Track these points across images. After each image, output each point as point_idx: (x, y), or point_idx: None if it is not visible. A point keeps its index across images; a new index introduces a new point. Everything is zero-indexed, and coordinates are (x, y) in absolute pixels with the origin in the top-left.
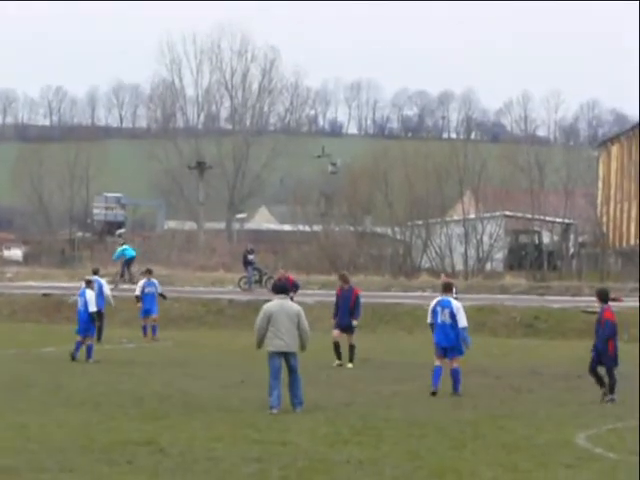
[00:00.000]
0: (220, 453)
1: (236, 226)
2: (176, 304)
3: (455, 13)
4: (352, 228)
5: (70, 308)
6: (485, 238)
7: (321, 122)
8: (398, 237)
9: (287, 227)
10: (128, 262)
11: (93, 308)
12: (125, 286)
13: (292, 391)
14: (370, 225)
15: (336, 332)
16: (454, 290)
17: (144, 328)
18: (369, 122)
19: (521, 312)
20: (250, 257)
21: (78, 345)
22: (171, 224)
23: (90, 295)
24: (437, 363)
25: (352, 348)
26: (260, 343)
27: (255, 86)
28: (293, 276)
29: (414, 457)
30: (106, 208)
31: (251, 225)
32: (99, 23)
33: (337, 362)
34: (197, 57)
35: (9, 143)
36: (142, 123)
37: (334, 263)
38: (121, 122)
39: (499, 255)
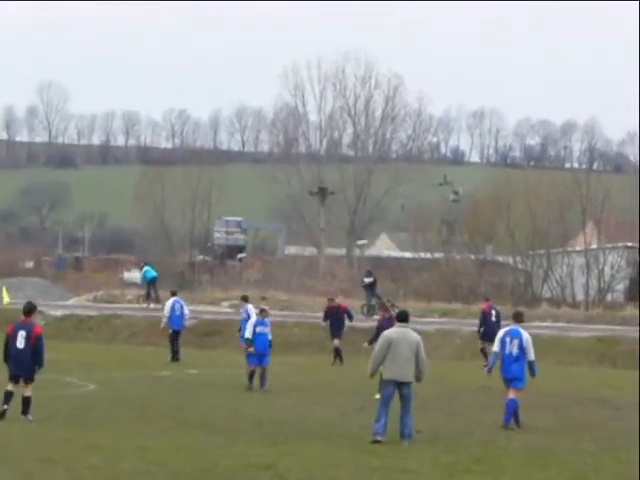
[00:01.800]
0: (341, 479)
1: (357, 252)
2: (296, 329)
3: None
4: (473, 256)
5: (189, 332)
6: (607, 269)
7: (443, 150)
8: (519, 266)
9: (408, 254)
10: (151, 283)
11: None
12: (152, 306)
13: (403, 420)
14: (491, 253)
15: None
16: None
17: None
18: (491, 151)
19: None
20: (367, 280)
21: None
22: (291, 249)
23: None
24: (511, 396)
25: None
26: (375, 371)
27: (378, 112)
28: (345, 304)
29: None
30: (227, 232)
31: (372, 252)
32: (224, 46)
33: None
34: (321, 82)
35: (131, 165)
36: (264, 147)
37: (454, 291)
38: (243, 146)
39: (620, 286)
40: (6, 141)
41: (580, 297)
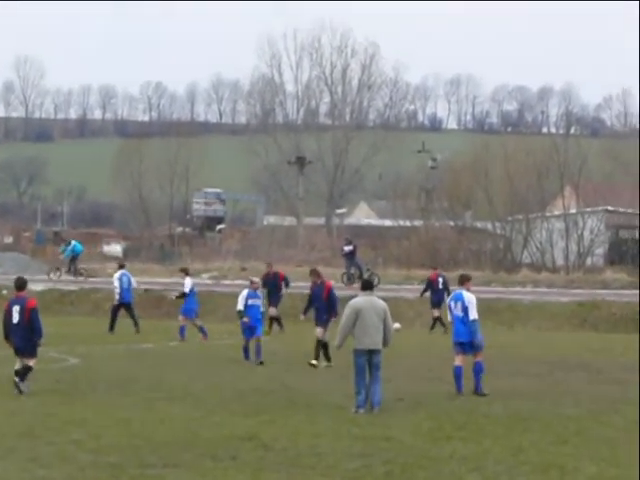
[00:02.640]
0: (323, 449)
1: (336, 221)
2: None
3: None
4: (452, 223)
5: (170, 303)
6: (586, 233)
7: (420, 117)
8: (498, 232)
9: (387, 222)
10: (75, 257)
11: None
12: (71, 278)
13: (371, 387)
14: (470, 220)
15: (320, 330)
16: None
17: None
18: (469, 117)
19: (622, 307)
20: (346, 248)
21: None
22: (271, 219)
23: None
24: (457, 362)
25: (322, 345)
26: (343, 342)
27: (355, 81)
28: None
29: (517, 452)
30: (206, 204)
31: (351, 220)
32: (198, 19)
33: (326, 363)
34: (297, 52)
35: (109, 139)
36: (241, 119)
37: (434, 258)
38: (220, 118)
39: (600, 250)
40: None
41: (560, 262)
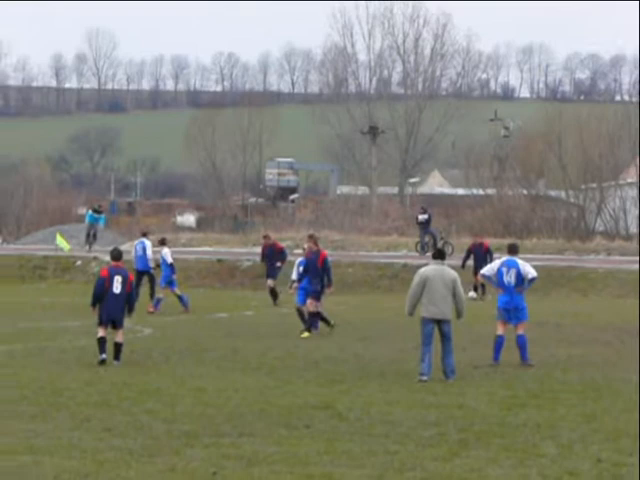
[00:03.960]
0: (397, 417)
1: (409, 190)
2: (350, 269)
3: None
4: (525, 192)
5: (243, 273)
6: None
7: (493, 86)
8: (572, 200)
9: (460, 191)
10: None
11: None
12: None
13: (445, 360)
14: (544, 188)
15: (310, 302)
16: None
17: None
18: (541, 85)
19: None
20: (421, 217)
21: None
22: (344, 189)
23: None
24: (500, 332)
25: (314, 315)
26: (412, 310)
27: (427, 51)
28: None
29: (590, 420)
30: (279, 174)
31: (424, 189)
32: None
33: (306, 334)
34: (369, 22)
35: (181, 110)
36: (314, 88)
37: (507, 227)
38: (293, 87)
39: None
40: (55, 88)
41: (633, 229)
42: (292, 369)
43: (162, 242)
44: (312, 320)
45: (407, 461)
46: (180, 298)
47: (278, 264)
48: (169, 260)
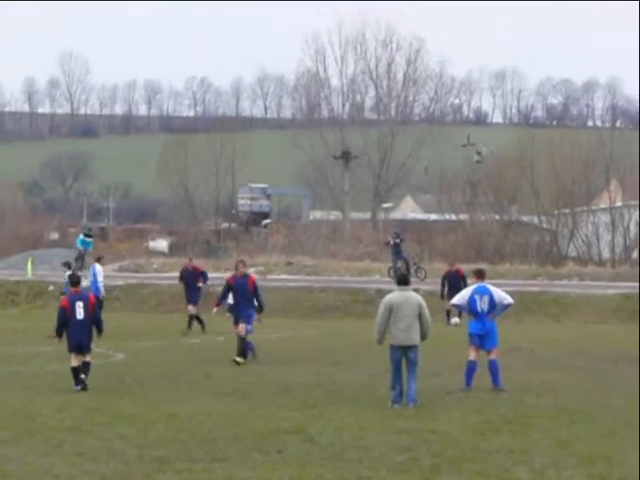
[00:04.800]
0: (370, 442)
1: (382, 216)
2: (322, 294)
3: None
4: (498, 217)
5: (216, 298)
6: (632, 226)
7: (466, 111)
8: (544, 226)
9: (433, 216)
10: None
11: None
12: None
13: (409, 384)
14: (516, 214)
15: (242, 326)
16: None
17: None
18: (514, 111)
19: None
20: (391, 241)
21: None
22: (316, 214)
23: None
24: (472, 357)
25: (243, 342)
26: (381, 337)
27: (400, 75)
28: (202, 266)
29: (564, 445)
30: (251, 199)
31: (397, 214)
32: (244, 13)
33: (239, 359)
34: (342, 47)
35: (154, 135)
36: (287, 113)
37: (480, 252)
38: (266, 112)
39: None
40: (28, 113)
41: (606, 255)
42: (264, 394)
43: (98, 259)
44: (243, 344)
45: None
46: None
47: (201, 285)
48: (99, 278)
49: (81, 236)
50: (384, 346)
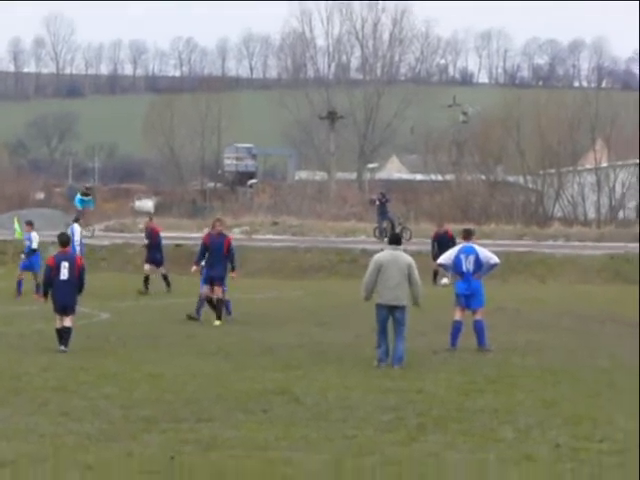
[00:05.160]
0: (355, 402)
1: (367, 176)
2: (308, 254)
3: None
4: (484, 177)
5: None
6: (617, 186)
7: (451, 71)
8: (530, 186)
9: (419, 176)
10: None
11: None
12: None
13: (395, 344)
14: (502, 174)
15: (207, 288)
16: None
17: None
18: (500, 71)
19: None
20: (377, 200)
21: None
22: (302, 174)
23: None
24: (457, 317)
25: (220, 303)
26: (369, 295)
27: (386, 36)
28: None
29: (549, 405)
30: (237, 158)
31: (382, 175)
32: None
33: (218, 322)
34: (327, 7)
35: (140, 95)
36: (273, 73)
37: (466, 212)
38: (251, 73)
39: (632, 203)
40: (14, 73)
41: (592, 215)
42: (249, 354)
43: (30, 225)
44: (221, 306)
45: (365, 446)
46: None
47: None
48: (36, 245)
49: (79, 195)
50: (370, 306)
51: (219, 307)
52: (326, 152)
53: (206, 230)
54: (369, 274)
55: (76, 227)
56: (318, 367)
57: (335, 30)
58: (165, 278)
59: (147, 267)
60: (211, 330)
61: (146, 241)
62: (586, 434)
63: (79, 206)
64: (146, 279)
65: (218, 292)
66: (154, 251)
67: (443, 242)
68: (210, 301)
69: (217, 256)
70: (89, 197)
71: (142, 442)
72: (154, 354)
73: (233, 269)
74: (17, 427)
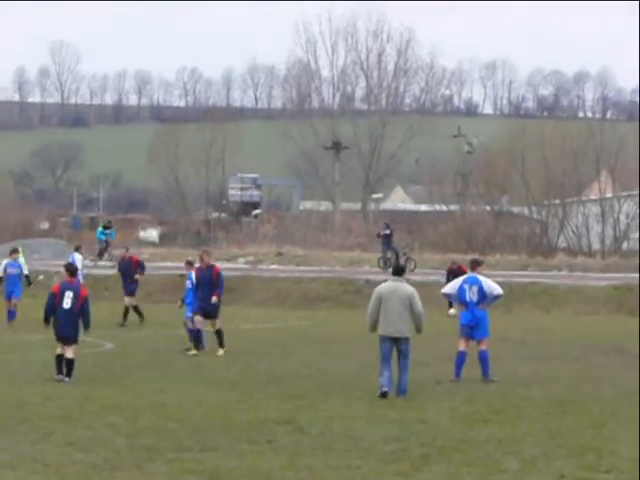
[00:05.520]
0: (359, 432)
1: (372, 206)
2: (313, 284)
3: None
4: (488, 208)
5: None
6: (622, 217)
7: (456, 102)
8: (535, 216)
9: (423, 207)
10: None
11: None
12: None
13: (399, 377)
14: (506, 204)
15: (199, 317)
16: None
17: (9, 312)
18: (504, 102)
19: None
20: (383, 232)
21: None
22: (307, 204)
23: None
24: (462, 348)
25: (220, 333)
26: (373, 327)
27: (391, 66)
28: (139, 257)
29: (554, 436)
30: (242, 189)
31: (387, 205)
32: (235, 4)
33: (194, 351)
34: (332, 37)
35: (145, 124)
36: (277, 104)
37: (470, 243)
38: (256, 103)
39: (636, 234)
40: (18, 102)
41: (596, 246)
42: (254, 384)
43: (77, 249)
44: (197, 336)
45: (369, 476)
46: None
47: (137, 277)
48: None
49: (100, 228)
50: (374, 337)
51: (220, 337)
52: (331, 182)
53: (218, 263)
54: (371, 306)
55: (77, 256)
56: (323, 397)
57: (340, 60)
58: (136, 309)
59: (126, 299)
60: (216, 360)
61: (137, 275)
62: (591, 465)
63: (102, 238)
64: (126, 310)
65: (216, 324)
66: (129, 282)
67: (458, 274)
68: (197, 331)
69: (208, 289)
70: (110, 229)
71: (146, 472)
72: (159, 384)
73: (218, 295)
74: (22, 457)
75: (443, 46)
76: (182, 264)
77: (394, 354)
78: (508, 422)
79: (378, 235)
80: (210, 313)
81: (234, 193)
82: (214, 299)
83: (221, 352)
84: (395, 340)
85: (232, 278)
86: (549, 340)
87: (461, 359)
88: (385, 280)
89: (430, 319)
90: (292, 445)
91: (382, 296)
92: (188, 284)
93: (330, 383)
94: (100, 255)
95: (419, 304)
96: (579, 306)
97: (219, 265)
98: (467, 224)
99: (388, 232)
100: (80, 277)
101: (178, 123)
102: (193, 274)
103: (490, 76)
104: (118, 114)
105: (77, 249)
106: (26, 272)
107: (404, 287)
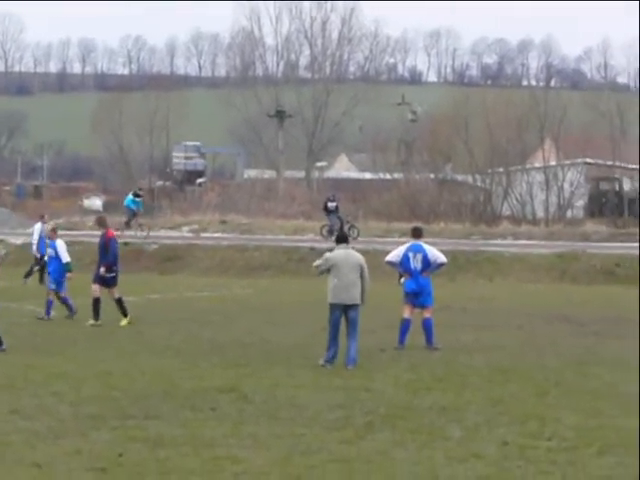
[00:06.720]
0: (303, 400)
1: (316, 174)
2: (257, 253)
3: None
4: (432, 176)
5: (149, 257)
6: (566, 185)
7: (400, 70)
8: (479, 184)
9: (367, 175)
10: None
11: (67, 258)
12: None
13: (348, 344)
14: (450, 172)
15: (95, 286)
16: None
17: None
18: (448, 70)
19: (602, 259)
20: (330, 205)
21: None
22: (251, 173)
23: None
24: (406, 315)
25: (120, 302)
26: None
27: (335, 34)
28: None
29: (497, 403)
30: (186, 157)
31: (331, 173)
32: None
33: (92, 322)
34: (276, 6)
35: (88, 93)
36: (221, 72)
37: (414, 211)
38: (200, 71)
39: (580, 202)
40: None
41: (540, 214)
42: (197, 352)
43: (41, 217)
44: (96, 305)
45: (313, 444)
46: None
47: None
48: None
49: (130, 196)
50: (318, 305)
51: (121, 306)
52: (275, 150)
53: (162, 231)
54: (322, 264)
55: (37, 225)
56: (267, 365)
57: (284, 29)
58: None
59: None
60: (160, 328)
61: None
62: (533, 432)
63: (132, 206)
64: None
65: (114, 293)
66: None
67: None
68: (96, 300)
69: (103, 257)
70: (140, 198)
71: (91, 439)
72: (103, 352)
73: (107, 264)
74: None
75: (387, 15)
76: (126, 232)
77: (342, 324)
78: (451, 390)
79: (325, 208)
80: (106, 281)
81: (178, 162)
82: (102, 270)
83: (124, 322)
84: (346, 308)
85: (176, 246)
86: (492, 308)
87: (405, 327)
88: (330, 249)
89: (374, 287)
90: (236, 413)
91: (335, 263)
92: (51, 252)
93: (274, 351)
94: (127, 224)
95: (367, 272)
96: (523, 274)
97: (163, 233)
98: (411, 192)
99: (334, 204)
100: (34, 247)
101: (122, 91)
102: (57, 242)
103: (434, 44)
104: (62, 82)
105: (41, 217)
106: None
107: (355, 255)
